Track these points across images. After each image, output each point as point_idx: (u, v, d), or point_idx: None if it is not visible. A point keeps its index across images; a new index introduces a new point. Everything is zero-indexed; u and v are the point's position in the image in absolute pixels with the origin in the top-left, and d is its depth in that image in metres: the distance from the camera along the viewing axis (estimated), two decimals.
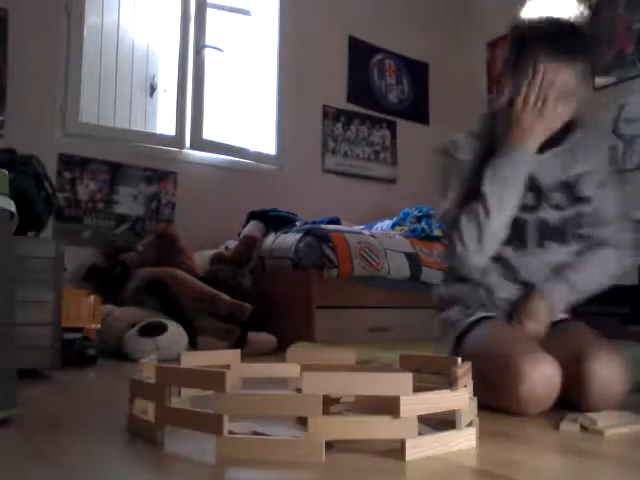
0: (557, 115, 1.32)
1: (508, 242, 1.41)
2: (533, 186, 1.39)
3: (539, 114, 1.29)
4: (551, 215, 1.40)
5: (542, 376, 1.22)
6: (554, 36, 1.30)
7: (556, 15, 1.37)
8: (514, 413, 1.25)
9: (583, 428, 1.11)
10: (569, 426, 1.12)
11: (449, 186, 1.43)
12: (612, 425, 1.10)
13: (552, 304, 1.41)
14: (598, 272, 1.45)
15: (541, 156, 1.38)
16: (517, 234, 1.40)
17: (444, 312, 1.56)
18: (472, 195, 1.35)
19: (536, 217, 1.40)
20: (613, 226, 1.44)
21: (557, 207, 1.40)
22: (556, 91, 1.29)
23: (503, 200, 1.31)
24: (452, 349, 1.48)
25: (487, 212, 1.31)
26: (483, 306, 1.48)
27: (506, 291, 1.46)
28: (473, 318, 1.46)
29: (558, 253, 1.43)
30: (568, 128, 1.40)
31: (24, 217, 1.49)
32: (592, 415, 1.13)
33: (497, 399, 1.28)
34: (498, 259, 1.43)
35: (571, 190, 1.41)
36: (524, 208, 1.39)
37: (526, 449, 1.02)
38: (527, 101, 1.30)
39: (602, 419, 1.12)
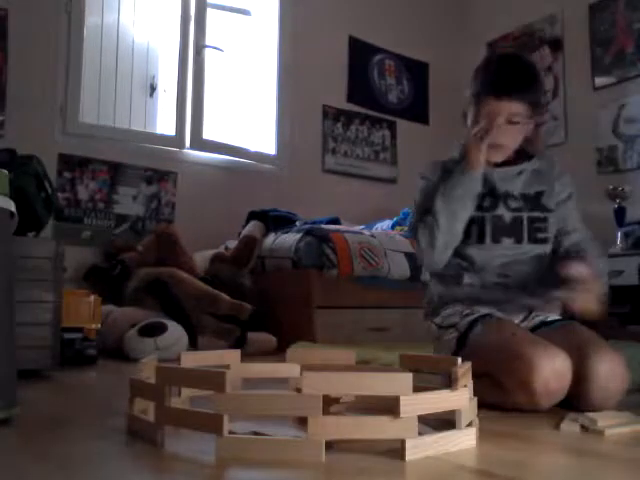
0: (507, 139, 1.51)
1: (469, 238, 1.56)
2: (492, 193, 1.57)
3: (478, 146, 1.49)
4: (505, 213, 1.55)
5: (555, 370, 1.23)
6: (497, 77, 1.49)
7: (507, 55, 1.62)
8: (526, 408, 1.26)
9: (583, 428, 1.11)
10: (570, 426, 1.12)
11: (417, 202, 1.63)
12: (612, 425, 1.10)
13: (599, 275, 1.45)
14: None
15: (502, 169, 1.57)
16: (476, 230, 1.55)
17: (437, 315, 1.59)
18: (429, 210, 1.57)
19: (491, 215, 1.55)
20: (580, 234, 1.60)
21: (513, 210, 1.55)
22: (502, 122, 1.47)
23: (451, 214, 1.51)
24: (454, 350, 1.48)
25: (438, 224, 1.52)
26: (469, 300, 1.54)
27: (469, 279, 1.57)
28: (472, 317, 1.47)
29: (512, 249, 1.55)
30: (529, 153, 1.61)
31: (24, 217, 1.49)
32: (592, 415, 1.13)
33: (507, 396, 1.29)
34: (459, 254, 1.57)
35: (533, 201, 1.57)
36: (482, 209, 1.55)
37: (526, 449, 1.02)
38: (473, 136, 1.51)
39: (602, 419, 1.12)
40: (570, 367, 1.26)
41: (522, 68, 1.54)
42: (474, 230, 1.55)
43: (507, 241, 1.54)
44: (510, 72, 1.51)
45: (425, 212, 1.56)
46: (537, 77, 1.56)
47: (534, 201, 1.56)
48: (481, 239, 1.55)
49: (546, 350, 1.26)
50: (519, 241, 1.54)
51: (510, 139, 1.52)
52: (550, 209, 1.56)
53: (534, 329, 1.48)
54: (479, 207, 1.55)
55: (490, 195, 1.57)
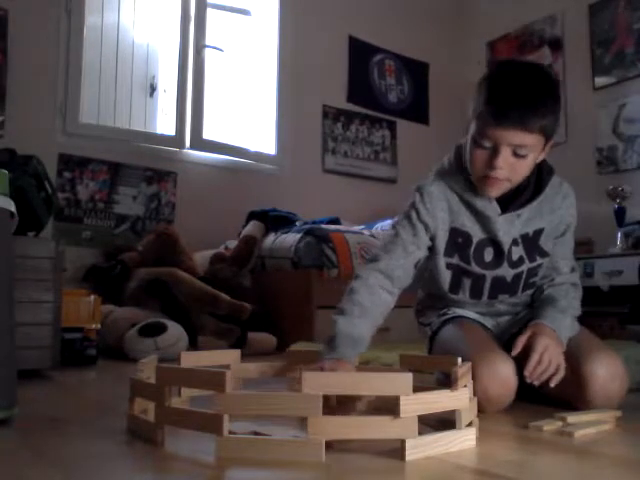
0: (512, 174, 1.26)
1: (457, 290, 1.44)
2: (494, 241, 1.38)
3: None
4: (508, 273, 1.40)
5: (495, 377, 1.23)
6: (501, 96, 1.23)
7: (512, 80, 1.25)
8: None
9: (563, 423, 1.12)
10: (537, 427, 1.11)
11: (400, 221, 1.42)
12: (581, 426, 1.10)
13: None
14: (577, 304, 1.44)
15: (505, 216, 1.35)
16: (469, 285, 1.42)
17: (423, 314, 1.61)
18: None
19: (493, 275, 1.40)
20: (565, 276, 1.44)
21: (515, 264, 1.39)
22: (505, 151, 1.23)
23: None
24: (427, 348, 1.54)
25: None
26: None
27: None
28: (444, 318, 1.48)
29: (508, 302, 1.47)
30: (539, 181, 1.38)
31: (24, 217, 1.49)
32: (571, 418, 1.13)
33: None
34: (453, 300, 1.47)
35: (532, 244, 1.39)
36: (483, 265, 1.39)
37: (526, 449, 1.02)
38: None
39: (575, 419, 1.13)
40: (514, 373, 1.25)
41: (533, 85, 1.23)
42: (467, 284, 1.42)
43: (502, 296, 1.44)
44: (517, 91, 1.22)
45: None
46: (553, 97, 1.26)
47: (533, 243, 1.39)
48: (476, 295, 1.43)
49: (488, 357, 1.25)
50: (514, 294, 1.44)
51: (515, 174, 1.27)
52: (547, 253, 1.41)
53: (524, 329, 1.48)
54: (479, 260, 1.38)
55: (492, 244, 1.38)
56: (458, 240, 1.38)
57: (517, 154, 1.23)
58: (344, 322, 1.26)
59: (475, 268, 1.38)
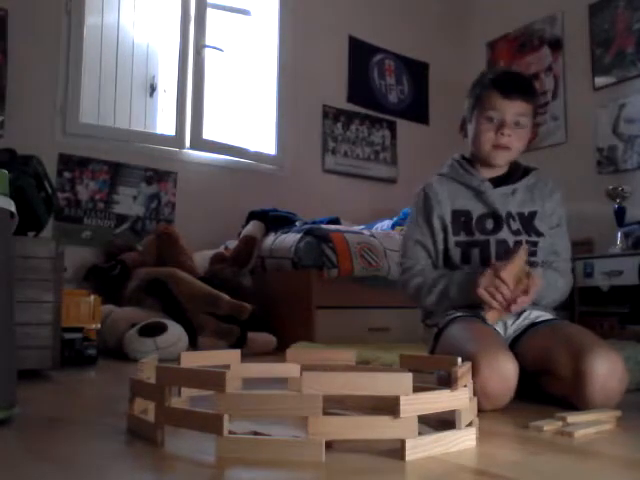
0: (513, 142, 1.54)
1: (468, 262, 1.56)
2: (493, 214, 1.57)
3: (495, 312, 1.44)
4: (509, 237, 1.55)
5: (495, 373, 1.23)
6: (503, 78, 1.56)
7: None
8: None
9: (564, 423, 1.12)
10: (537, 427, 1.11)
11: (413, 222, 1.66)
12: (580, 426, 1.10)
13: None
14: (556, 286, 1.57)
15: (499, 190, 1.58)
16: (478, 254, 1.55)
17: (429, 317, 1.63)
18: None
19: (496, 239, 1.55)
20: (561, 257, 1.61)
21: (514, 232, 1.56)
22: (510, 121, 1.52)
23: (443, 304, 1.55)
24: (431, 347, 1.54)
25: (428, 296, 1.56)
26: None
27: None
28: (450, 317, 1.50)
29: None
30: (526, 170, 1.64)
31: (24, 217, 1.49)
32: (571, 418, 1.13)
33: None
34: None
35: (527, 222, 1.58)
36: (486, 232, 1.56)
37: (526, 449, 1.02)
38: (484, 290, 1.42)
39: (575, 418, 1.13)
40: (515, 371, 1.26)
41: (523, 74, 1.67)
42: (475, 254, 1.55)
43: None
44: (515, 74, 1.63)
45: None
46: (535, 87, 1.65)
47: (528, 222, 1.57)
48: (485, 263, 1.50)
49: (488, 353, 1.25)
50: None
51: (515, 141, 1.55)
52: (541, 233, 1.57)
53: (525, 330, 1.48)
54: (482, 230, 1.56)
55: (492, 216, 1.56)
56: (461, 219, 1.58)
57: (518, 123, 1.53)
58: (443, 282, 1.52)
59: (480, 237, 1.56)
